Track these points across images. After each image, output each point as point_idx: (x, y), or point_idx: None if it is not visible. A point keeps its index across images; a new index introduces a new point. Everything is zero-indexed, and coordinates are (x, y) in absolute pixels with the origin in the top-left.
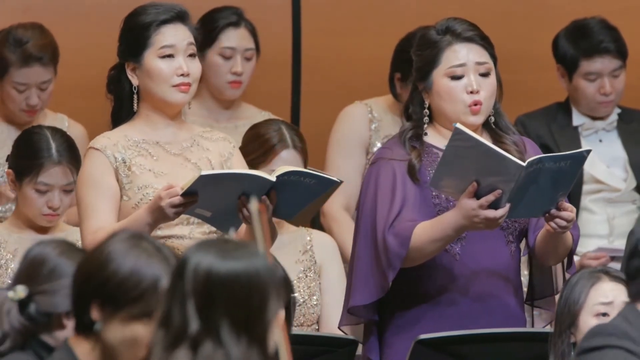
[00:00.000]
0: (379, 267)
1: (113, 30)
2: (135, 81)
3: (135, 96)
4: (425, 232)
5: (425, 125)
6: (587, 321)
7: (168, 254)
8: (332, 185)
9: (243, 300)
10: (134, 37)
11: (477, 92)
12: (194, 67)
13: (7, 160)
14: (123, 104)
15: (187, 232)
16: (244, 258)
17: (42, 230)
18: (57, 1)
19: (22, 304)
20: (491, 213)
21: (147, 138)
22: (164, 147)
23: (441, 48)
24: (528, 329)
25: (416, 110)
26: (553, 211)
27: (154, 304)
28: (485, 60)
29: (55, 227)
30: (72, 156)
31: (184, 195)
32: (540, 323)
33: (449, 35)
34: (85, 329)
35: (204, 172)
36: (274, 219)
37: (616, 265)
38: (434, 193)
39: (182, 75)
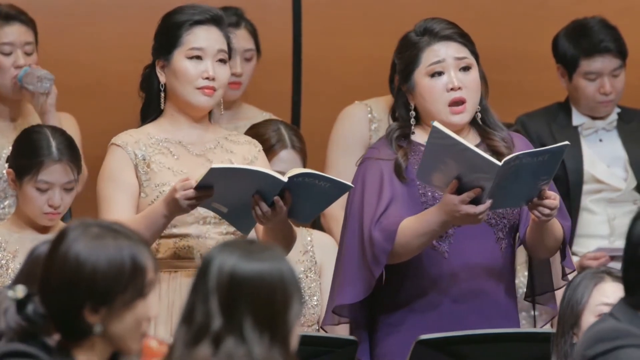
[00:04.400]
0: (365, 263)
1: (111, 31)
2: (162, 78)
3: (162, 94)
4: (410, 226)
5: (413, 126)
6: (590, 321)
7: (124, 230)
8: (346, 190)
9: (266, 299)
10: (166, 35)
11: (459, 88)
12: (222, 72)
13: (7, 160)
14: (152, 100)
15: (203, 232)
16: (269, 260)
17: (43, 229)
18: (56, 2)
19: (21, 304)
20: (471, 209)
21: (170, 137)
22: (186, 147)
23: (420, 48)
24: (528, 329)
25: (402, 113)
26: (535, 200)
27: (142, 282)
28: (465, 55)
29: (56, 227)
30: (73, 154)
31: (198, 188)
32: (541, 323)
33: (427, 36)
34: (80, 335)
35: (214, 165)
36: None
37: (616, 265)
38: (420, 191)
39: (207, 78)
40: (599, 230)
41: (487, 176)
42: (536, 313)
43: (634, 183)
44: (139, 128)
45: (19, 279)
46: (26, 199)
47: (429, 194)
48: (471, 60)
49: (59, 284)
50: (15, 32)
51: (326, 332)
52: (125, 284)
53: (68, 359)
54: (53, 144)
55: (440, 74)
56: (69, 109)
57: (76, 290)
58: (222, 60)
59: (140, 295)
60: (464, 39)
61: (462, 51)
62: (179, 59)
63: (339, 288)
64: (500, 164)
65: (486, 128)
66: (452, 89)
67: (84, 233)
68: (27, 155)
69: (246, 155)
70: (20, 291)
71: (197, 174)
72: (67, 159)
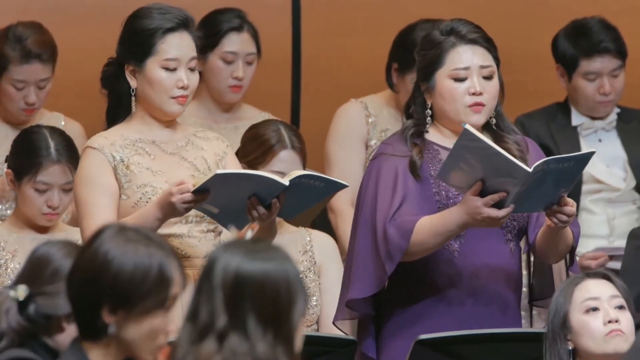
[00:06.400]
0: (377, 259)
1: (112, 31)
2: (133, 83)
3: (133, 97)
4: (428, 225)
5: (427, 125)
6: (579, 318)
7: (159, 240)
8: (339, 188)
9: (271, 297)
10: (138, 41)
11: (480, 94)
12: (193, 79)
13: (5, 160)
14: (121, 102)
15: (185, 231)
16: (273, 259)
17: (42, 230)
18: (56, 2)
19: (22, 304)
20: (494, 212)
21: (143, 137)
22: (160, 146)
23: (445, 49)
24: (528, 329)
25: (418, 110)
26: (555, 207)
27: (165, 293)
28: (489, 64)
29: (55, 227)
30: (71, 155)
31: (195, 192)
32: (539, 323)
33: (453, 37)
34: (95, 333)
35: (219, 171)
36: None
37: (616, 264)
38: (434, 190)
39: (182, 88)
40: (599, 230)
41: (515, 181)
42: (534, 313)
43: (633, 183)
44: (111, 129)
45: (20, 279)
46: (25, 200)
47: (443, 192)
48: (494, 68)
49: (84, 277)
50: (31, 72)
51: (339, 328)
52: (147, 291)
53: (80, 354)
54: (52, 144)
55: (463, 79)
56: (70, 109)
57: (98, 287)
58: (192, 68)
59: (161, 306)
60: (489, 43)
61: (487, 59)
62: (153, 67)
63: (351, 283)
64: (530, 170)
65: (499, 132)
66: (473, 94)
67: (119, 234)
68: (26, 156)
69: (216, 151)
70: (22, 291)
71: (174, 172)
72: (66, 159)
